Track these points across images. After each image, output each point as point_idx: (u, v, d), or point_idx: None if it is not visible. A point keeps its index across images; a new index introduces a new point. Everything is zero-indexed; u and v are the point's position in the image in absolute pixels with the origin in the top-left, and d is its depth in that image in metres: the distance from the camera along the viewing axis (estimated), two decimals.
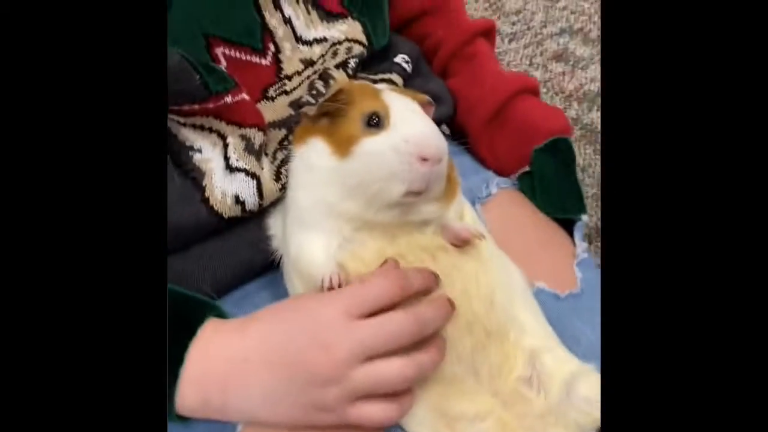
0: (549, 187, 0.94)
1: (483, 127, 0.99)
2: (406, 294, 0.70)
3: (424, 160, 0.69)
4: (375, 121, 0.73)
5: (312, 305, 0.71)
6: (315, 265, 0.74)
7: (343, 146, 0.73)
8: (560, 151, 0.95)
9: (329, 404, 0.68)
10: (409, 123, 0.72)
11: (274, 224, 0.84)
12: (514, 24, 1.94)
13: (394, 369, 0.67)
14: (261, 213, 0.84)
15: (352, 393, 0.67)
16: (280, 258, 0.83)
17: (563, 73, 1.69)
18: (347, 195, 0.73)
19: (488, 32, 1.06)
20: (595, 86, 1.66)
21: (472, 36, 1.04)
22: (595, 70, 1.70)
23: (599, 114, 1.60)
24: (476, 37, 1.04)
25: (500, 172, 0.98)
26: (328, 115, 0.76)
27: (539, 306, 0.80)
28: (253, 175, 0.81)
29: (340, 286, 0.72)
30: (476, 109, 0.99)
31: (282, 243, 0.82)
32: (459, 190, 0.81)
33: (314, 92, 0.87)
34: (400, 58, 0.99)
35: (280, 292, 0.86)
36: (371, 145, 0.71)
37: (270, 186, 0.82)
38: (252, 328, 0.71)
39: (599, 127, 1.55)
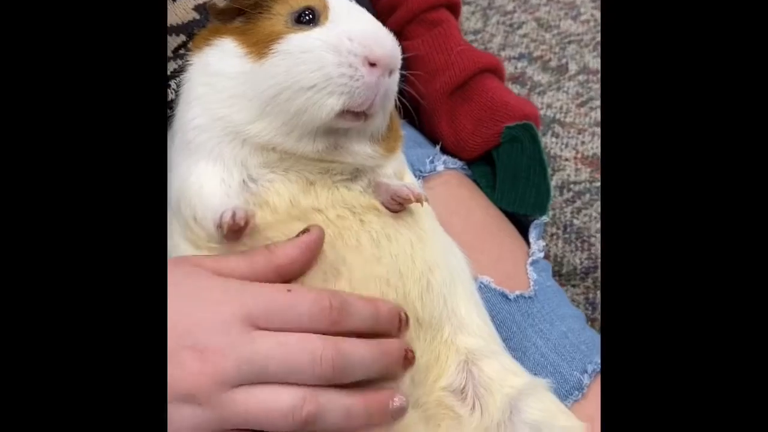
0: (516, 174, 0.77)
1: (446, 96, 0.82)
2: (336, 329, 0.50)
3: (373, 65, 0.51)
4: (308, 17, 0.54)
5: (207, 292, 0.50)
6: (208, 199, 0.54)
7: (261, 44, 0.54)
8: (532, 137, 0.79)
9: (173, 429, 0.47)
10: (356, 19, 0.54)
11: None
12: (471, 42, 1.82)
13: (282, 403, 0.47)
14: None
15: (214, 423, 0.47)
16: None
17: (518, 95, 1.57)
18: (260, 112, 0.54)
19: (454, 6, 0.92)
20: (551, 112, 1.54)
21: (437, 3, 0.89)
22: (551, 97, 1.59)
23: (553, 139, 1.46)
24: (441, 5, 0.89)
25: (459, 152, 0.81)
26: (245, 14, 0.58)
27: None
28: None
29: (246, 226, 0.52)
30: (440, 76, 0.82)
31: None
32: (401, 145, 0.63)
33: None
34: None
35: None
36: (300, 40, 0.53)
37: None
38: None
39: (552, 151, 1.41)
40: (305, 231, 0.53)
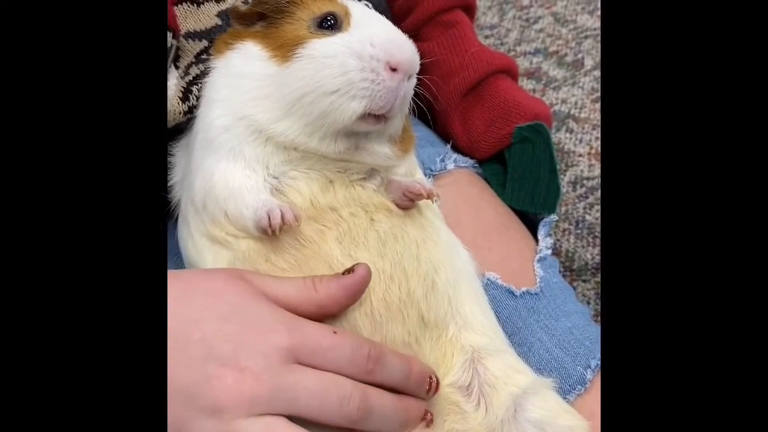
0: (526, 174, 0.79)
1: (459, 98, 0.84)
2: (368, 378, 0.52)
3: (394, 70, 0.53)
4: (330, 23, 0.57)
5: (260, 318, 0.51)
6: (240, 196, 0.56)
7: (285, 48, 0.56)
8: (543, 137, 0.80)
9: None
10: (377, 25, 0.57)
11: (177, 163, 0.66)
12: (487, 38, 1.82)
13: None
14: None
15: None
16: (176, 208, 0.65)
17: (534, 91, 1.58)
18: (284, 113, 0.56)
19: (469, 7, 0.94)
20: (566, 107, 1.54)
21: (453, 5, 0.90)
22: (567, 92, 1.59)
23: (567, 135, 1.47)
24: (456, 7, 0.91)
25: (472, 152, 0.83)
26: (266, 19, 0.60)
27: (489, 301, 0.64)
28: None
29: (294, 222, 0.54)
30: (454, 78, 0.84)
31: (182, 182, 0.63)
32: (413, 147, 0.65)
33: (249, 1, 0.70)
34: (359, 3, 0.83)
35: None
36: (324, 45, 0.55)
37: (173, 105, 0.64)
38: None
39: (566, 146, 1.41)
40: (351, 270, 0.54)
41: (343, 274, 0.54)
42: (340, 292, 0.53)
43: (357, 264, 0.54)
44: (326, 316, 0.54)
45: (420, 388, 0.55)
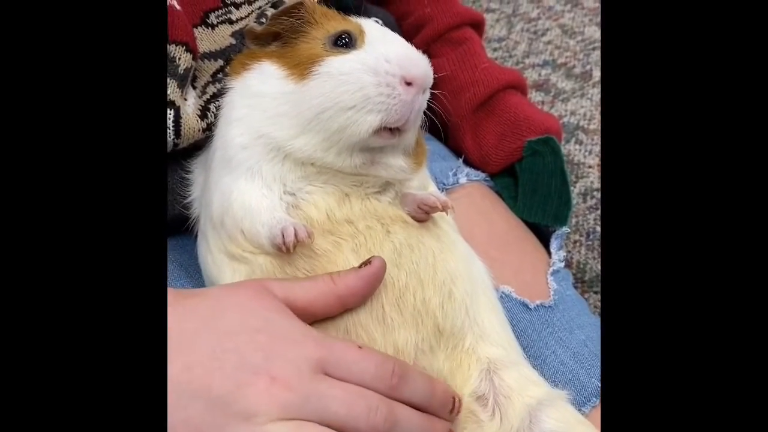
0: (537, 187, 0.80)
1: (470, 112, 0.85)
2: (392, 394, 0.53)
3: (408, 84, 0.55)
4: (345, 41, 0.58)
5: (288, 331, 0.53)
6: (256, 214, 0.57)
7: (302, 67, 0.58)
8: (553, 151, 0.81)
9: None
10: (391, 42, 0.58)
11: (195, 180, 0.67)
12: (495, 50, 1.84)
13: None
14: (176, 159, 0.67)
15: None
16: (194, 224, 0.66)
17: (542, 102, 1.59)
18: (301, 129, 0.57)
19: (478, 24, 0.96)
20: (575, 119, 1.56)
21: (462, 22, 0.92)
22: (575, 104, 1.60)
23: (576, 146, 1.48)
24: (465, 24, 0.93)
25: (483, 166, 0.84)
26: (281, 38, 0.61)
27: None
28: (172, 104, 0.64)
29: (307, 239, 0.55)
30: (464, 93, 0.86)
31: (201, 199, 0.65)
32: (426, 160, 0.66)
33: (263, 21, 0.71)
34: (372, 21, 0.85)
35: (184, 259, 0.69)
36: (340, 63, 0.56)
37: (192, 123, 0.65)
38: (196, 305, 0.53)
39: (576, 158, 1.42)
40: (367, 262, 0.55)
41: (360, 267, 0.56)
42: (358, 283, 0.55)
43: (372, 256, 0.56)
44: (345, 308, 0.56)
45: (444, 408, 0.56)
